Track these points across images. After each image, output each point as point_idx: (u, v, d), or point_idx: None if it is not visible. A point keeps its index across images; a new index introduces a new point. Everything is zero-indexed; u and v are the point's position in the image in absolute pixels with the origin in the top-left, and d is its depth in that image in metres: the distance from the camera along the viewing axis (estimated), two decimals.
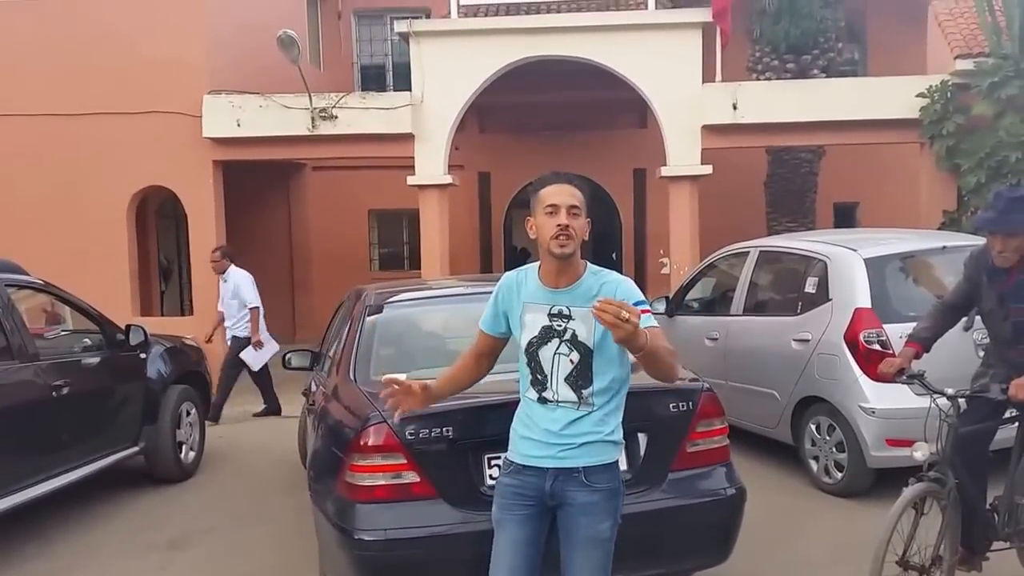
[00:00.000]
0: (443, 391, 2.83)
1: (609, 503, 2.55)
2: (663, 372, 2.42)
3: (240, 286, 8.12)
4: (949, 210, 9.21)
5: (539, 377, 2.56)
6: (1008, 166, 8.56)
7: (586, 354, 2.50)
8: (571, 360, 2.51)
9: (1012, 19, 8.75)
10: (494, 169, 13.10)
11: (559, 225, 2.44)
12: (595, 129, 12.64)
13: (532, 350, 2.56)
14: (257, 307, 8.20)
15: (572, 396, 2.52)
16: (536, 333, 2.55)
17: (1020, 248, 3.49)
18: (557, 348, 2.53)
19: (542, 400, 2.56)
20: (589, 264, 2.58)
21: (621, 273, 2.67)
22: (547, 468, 2.54)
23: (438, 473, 3.14)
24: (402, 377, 2.81)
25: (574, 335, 2.50)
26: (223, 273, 8.30)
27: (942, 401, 3.45)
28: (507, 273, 2.71)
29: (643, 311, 2.36)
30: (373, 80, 14.41)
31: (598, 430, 2.54)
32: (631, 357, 2.49)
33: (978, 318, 3.95)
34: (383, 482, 3.18)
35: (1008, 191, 3.63)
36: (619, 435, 2.60)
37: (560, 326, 2.52)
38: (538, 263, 2.62)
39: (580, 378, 2.52)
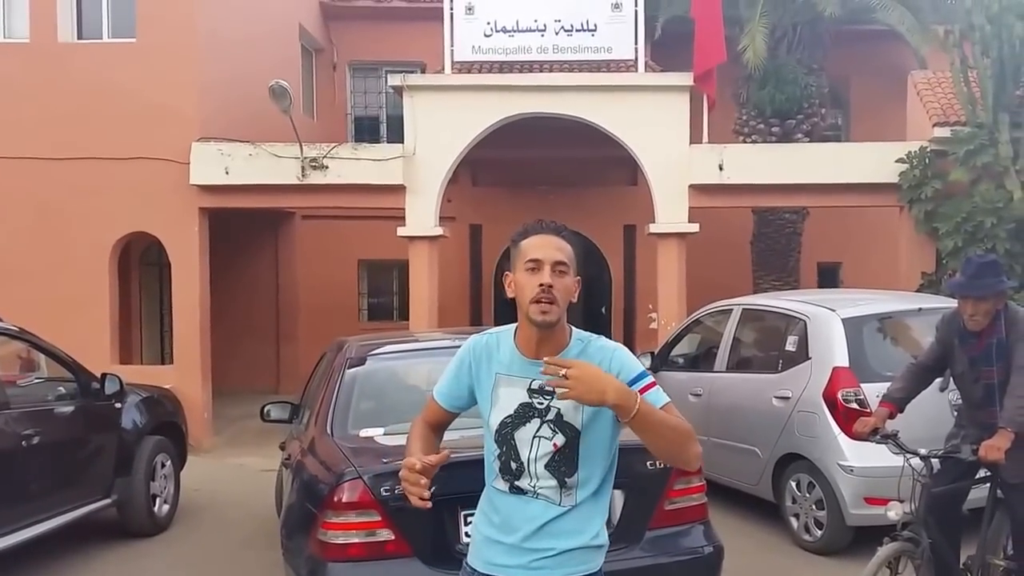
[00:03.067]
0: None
1: None
2: (665, 449, 2.05)
3: None
4: (928, 272, 9.34)
5: (512, 464, 2.11)
6: (983, 231, 8.74)
7: (573, 437, 2.08)
8: (554, 444, 2.07)
9: (986, 90, 9.01)
10: (486, 222, 13.20)
11: (541, 285, 2.02)
12: (587, 185, 12.79)
13: (506, 431, 2.11)
14: None
15: (553, 483, 2.09)
16: (512, 412, 2.11)
17: (990, 312, 3.57)
18: (537, 430, 2.09)
19: (515, 490, 2.11)
20: (575, 330, 2.16)
21: (610, 328, 2.44)
22: None
23: (413, 531, 3.11)
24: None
25: (559, 415, 2.08)
26: None
27: (915, 461, 3.48)
28: (474, 337, 2.23)
29: (648, 385, 2.06)
30: (366, 131, 14.57)
31: (580, 532, 2.10)
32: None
33: None
34: (356, 540, 3.15)
35: (978, 257, 3.73)
36: (604, 537, 2.16)
37: (542, 404, 2.08)
38: (513, 326, 2.18)
39: (564, 464, 2.08)
